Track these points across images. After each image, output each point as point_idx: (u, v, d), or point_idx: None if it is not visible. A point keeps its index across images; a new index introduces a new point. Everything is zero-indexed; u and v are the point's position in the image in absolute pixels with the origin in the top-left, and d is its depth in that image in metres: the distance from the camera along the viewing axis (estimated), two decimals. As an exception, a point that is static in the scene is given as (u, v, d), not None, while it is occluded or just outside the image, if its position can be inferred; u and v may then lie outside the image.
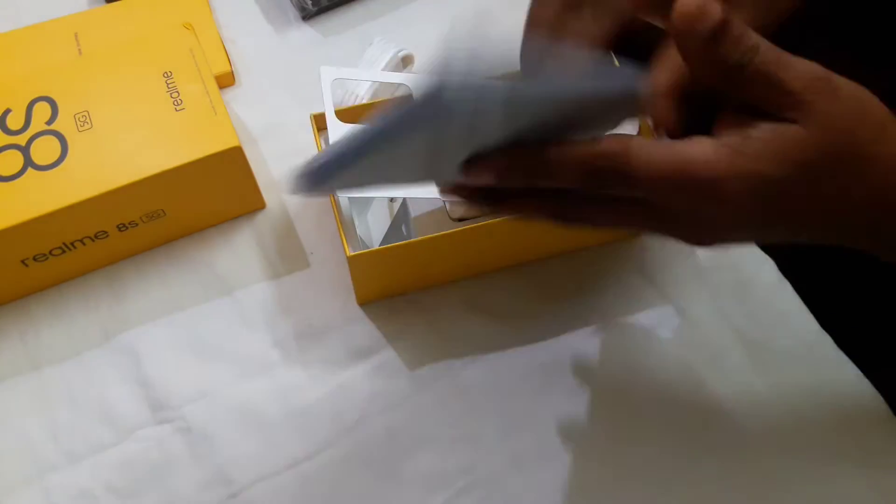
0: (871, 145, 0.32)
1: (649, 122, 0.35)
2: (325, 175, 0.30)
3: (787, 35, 0.50)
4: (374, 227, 0.52)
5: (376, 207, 0.52)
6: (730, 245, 0.36)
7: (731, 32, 0.30)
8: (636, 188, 0.32)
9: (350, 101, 0.56)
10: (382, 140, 0.28)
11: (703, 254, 0.54)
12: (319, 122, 0.51)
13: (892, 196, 0.33)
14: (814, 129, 0.31)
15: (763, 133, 0.31)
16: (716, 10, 0.30)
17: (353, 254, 0.46)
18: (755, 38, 0.31)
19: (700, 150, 0.31)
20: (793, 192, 0.32)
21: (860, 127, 0.32)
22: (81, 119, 0.50)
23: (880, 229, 0.34)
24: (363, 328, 0.52)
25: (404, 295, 0.53)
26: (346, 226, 0.49)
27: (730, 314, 0.52)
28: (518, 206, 0.35)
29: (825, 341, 0.51)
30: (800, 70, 0.31)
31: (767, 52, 0.31)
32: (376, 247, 0.50)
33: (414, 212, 0.52)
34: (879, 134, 0.33)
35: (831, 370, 0.51)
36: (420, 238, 0.47)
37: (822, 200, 0.32)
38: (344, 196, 0.50)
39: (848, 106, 0.32)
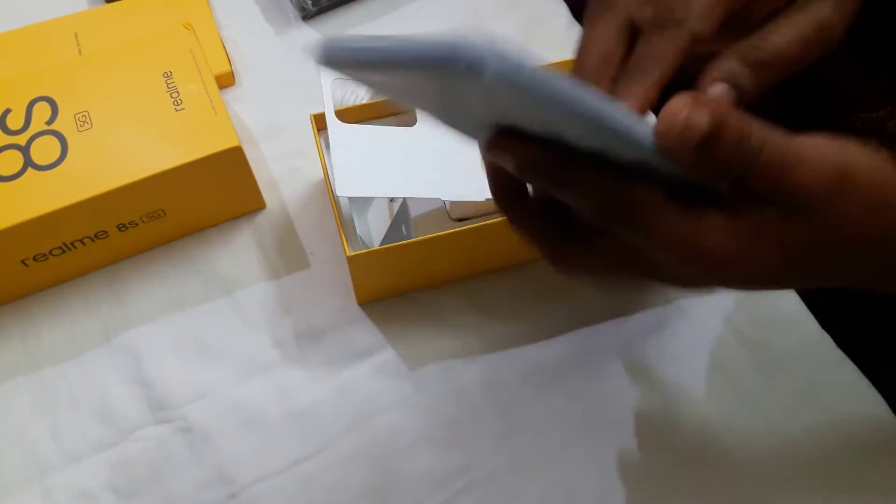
0: (880, 231, 0.30)
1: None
2: (343, 56, 0.28)
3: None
4: (373, 227, 0.52)
5: (376, 207, 0.52)
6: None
7: (727, 138, 0.27)
8: (644, 245, 0.30)
9: (351, 101, 0.56)
10: (390, 60, 0.26)
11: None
12: (319, 123, 0.51)
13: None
14: (824, 226, 0.29)
15: (773, 224, 0.29)
16: (702, 121, 0.27)
17: (353, 254, 0.46)
18: (759, 136, 0.28)
19: (713, 233, 0.29)
20: (795, 276, 0.31)
21: (873, 218, 0.29)
22: (81, 119, 0.50)
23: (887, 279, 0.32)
24: (363, 328, 0.52)
25: (404, 295, 0.53)
26: (346, 226, 0.49)
27: (730, 314, 0.52)
28: (523, 221, 0.33)
29: (825, 341, 0.51)
30: (811, 166, 0.28)
31: (774, 150, 0.28)
32: (376, 247, 0.50)
33: (414, 212, 0.52)
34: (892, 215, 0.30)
35: (831, 370, 0.51)
36: (420, 238, 0.47)
37: (823, 278, 0.31)
38: (344, 196, 0.50)
39: (864, 200, 0.29)
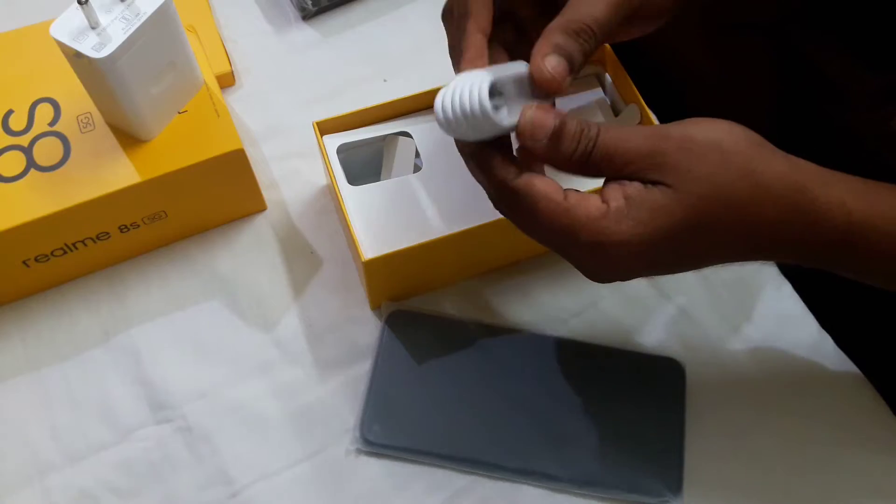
0: (736, 187, 0.35)
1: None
2: None
3: (792, 33, 0.51)
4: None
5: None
6: (624, 280, 0.38)
7: (567, 132, 0.35)
8: (537, 226, 0.36)
9: None
10: None
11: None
12: (322, 129, 0.51)
13: (778, 226, 0.36)
14: (676, 186, 0.34)
15: (638, 196, 0.34)
16: (549, 122, 0.35)
17: (368, 258, 0.46)
18: (594, 128, 0.35)
19: (587, 212, 0.35)
20: (669, 248, 0.35)
21: (722, 171, 0.34)
22: (84, 120, 0.50)
23: (774, 253, 0.38)
24: (363, 328, 0.52)
25: (407, 297, 0.53)
26: (355, 228, 0.49)
27: (730, 314, 0.52)
28: (469, 163, 0.39)
29: (825, 341, 0.51)
30: (640, 140, 0.35)
31: (607, 134, 0.35)
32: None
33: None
34: (745, 169, 0.35)
35: (832, 370, 0.51)
36: (436, 238, 0.47)
37: (700, 246, 0.36)
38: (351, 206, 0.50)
39: (704, 155, 0.35)
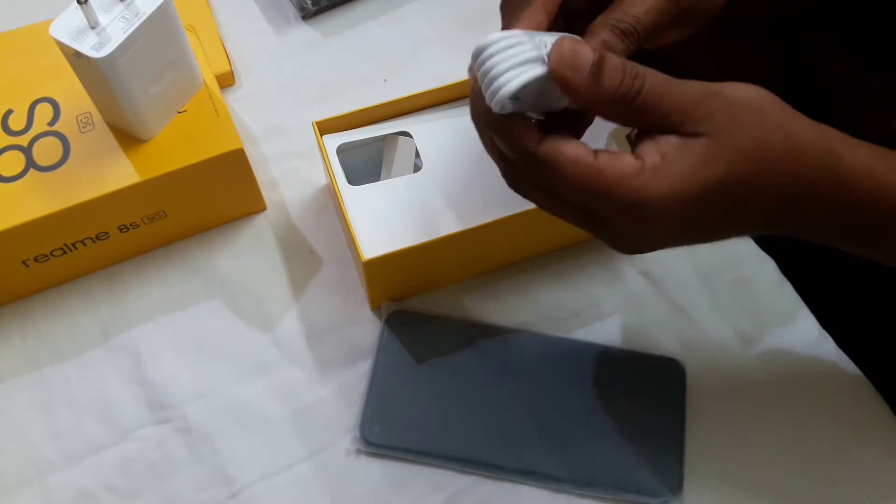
0: (773, 143, 0.34)
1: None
2: None
3: (791, 33, 0.51)
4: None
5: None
6: (654, 250, 0.37)
7: (609, 65, 0.32)
8: (565, 194, 0.34)
9: None
10: None
11: (703, 253, 0.54)
12: (322, 129, 0.51)
13: (810, 186, 0.35)
14: (718, 140, 0.33)
15: (676, 152, 0.33)
16: (587, 51, 0.32)
17: (368, 258, 0.46)
18: (640, 69, 0.33)
19: (622, 171, 0.33)
20: (707, 206, 0.33)
21: (760, 127, 0.34)
22: (83, 120, 0.50)
23: (802, 218, 0.36)
24: (363, 328, 0.52)
25: (408, 297, 0.53)
26: (355, 228, 0.49)
27: (730, 314, 0.52)
28: (484, 135, 0.37)
29: (826, 341, 0.51)
30: (689, 88, 0.33)
31: (655, 78, 0.33)
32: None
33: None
34: (780, 127, 0.34)
35: (832, 370, 0.51)
36: (436, 238, 0.47)
37: (736, 206, 0.34)
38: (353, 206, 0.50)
39: (742, 111, 0.33)
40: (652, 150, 0.33)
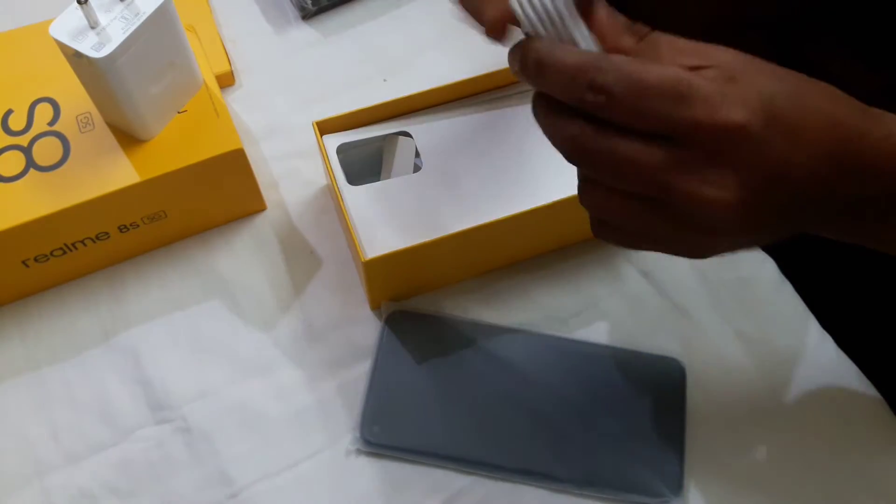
0: (814, 83, 0.33)
1: None
2: None
3: (792, 33, 0.51)
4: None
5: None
6: (727, 250, 0.35)
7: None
8: (638, 104, 0.31)
9: None
10: None
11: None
12: (322, 129, 0.51)
13: (856, 130, 0.34)
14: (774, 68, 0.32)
15: (743, 67, 0.32)
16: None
17: (368, 258, 0.46)
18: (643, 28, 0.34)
19: (698, 73, 0.31)
20: (782, 114, 0.32)
21: (806, 79, 0.33)
22: (83, 120, 0.50)
23: (849, 179, 0.34)
24: (363, 328, 0.52)
25: (408, 297, 0.53)
26: (355, 228, 0.49)
27: (730, 314, 0.52)
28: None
29: (826, 341, 0.51)
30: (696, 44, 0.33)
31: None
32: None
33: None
34: (810, 79, 0.34)
35: (832, 370, 0.51)
36: (436, 238, 0.47)
37: (800, 130, 0.32)
38: (354, 205, 0.50)
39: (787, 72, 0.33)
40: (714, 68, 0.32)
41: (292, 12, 0.65)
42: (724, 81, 0.31)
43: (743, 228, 0.33)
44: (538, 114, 0.35)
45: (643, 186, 0.33)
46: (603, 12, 0.34)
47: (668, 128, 0.31)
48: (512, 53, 0.35)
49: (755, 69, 0.33)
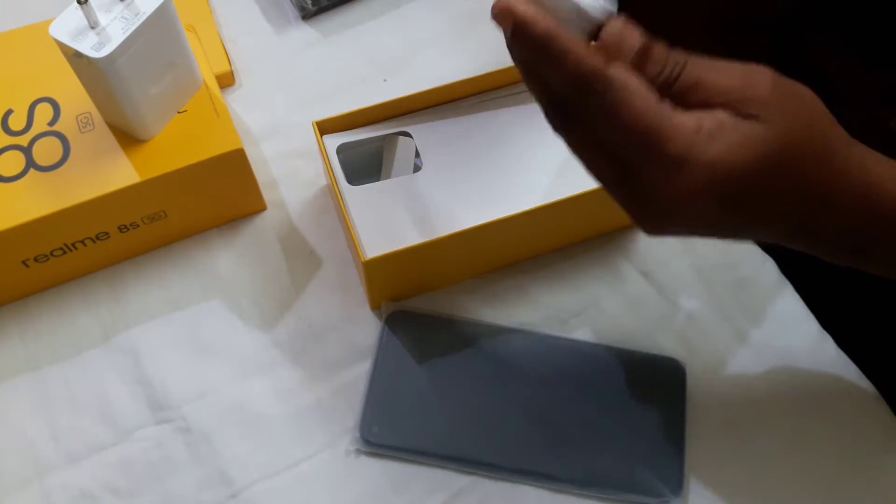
0: (817, 139, 0.34)
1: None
2: None
3: (792, 32, 0.51)
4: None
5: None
6: (672, 234, 0.36)
7: (655, 54, 0.33)
8: (614, 134, 0.33)
9: None
10: None
11: (703, 253, 0.54)
12: (322, 129, 0.51)
13: (838, 189, 0.34)
14: (770, 122, 0.32)
15: (731, 125, 0.32)
16: (635, 38, 0.33)
17: (368, 258, 0.46)
18: (681, 54, 0.33)
19: (682, 123, 0.32)
20: (749, 186, 0.33)
21: (809, 120, 0.34)
22: (83, 120, 0.50)
23: (819, 224, 0.35)
24: (363, 328, 0.52)
25: (408, 297, 0.53)
26: (355, 228, 0.49)
27: (730, 314, 0.52)
28: (522, 65, 0.35)
29: (826, 341, 0.51)
30: (736, 69, 0.33)
31: (696, 62, 0.33)
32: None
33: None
34: (829, 124, 0.34)
35: (832, 370, 0.51)
36: (436, 238, 0.47)
37: (773, 193, 0.34)
38: (353, 203, 0.50)
39: (794, 99, 0.34)
40: (709, 117, 0.32)
41: (292, 12, 0.65)
42: (705, 139, 0.32)
43: (695, 219, 0.35)
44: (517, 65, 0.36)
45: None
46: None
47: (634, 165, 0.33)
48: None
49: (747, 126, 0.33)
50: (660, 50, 0.33)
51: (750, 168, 0.32)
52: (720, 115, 0.32)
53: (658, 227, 0.36)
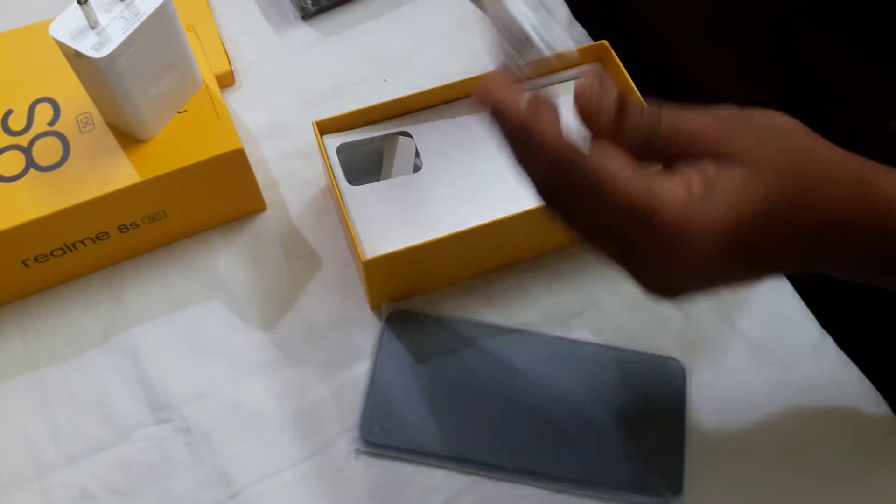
0: (806, 168, 0.33)
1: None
2: None
3: (792, 32, 0.51)
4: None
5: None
6: (690, 297, 0.35)
7: (630, 108, 0.32)
8: (605, 217, 0.32)
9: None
10: None
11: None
12: (322, 129, 0.51)
13: (844, 213, 0.34)
14: (755, 163, 0.32)
15: (718, 179, 0.31)
16: (609, 97, 0.32)
17: (368, 258, 0.46)
18: (654, 106, 0.33)
19: (672, 195, 0.31)
20: (750, 237, 0.32)
21: (790, 150, 0.33)
22: (83, 120, 0.50)
23: (837, 247, 0.35)
24: (363, 328, 0.52)
25: (409, 298, 0.53)
26: (355, 228, 0.49)
27: (730, 314, 0.52)
28: (506, 147, 0.34)
29: (826, 342, 0.51)
30: (709, 116, 0.33)
31: (671, 112, 0.32)
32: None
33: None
34: (809, 150, 0.34)
35: (832, 371, 0.51)
36: (436, 238, 0.47)
37: (775, 235, 0.33)
38: (353, 203, 0.50)
39: (771, 134, 0.33)
40: (695, 176, 0.31)
41: (292, 12, 0.65)
42: (698, 204, 0.31)
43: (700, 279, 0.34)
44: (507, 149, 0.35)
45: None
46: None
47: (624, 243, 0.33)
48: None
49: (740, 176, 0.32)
50: (634, 108, 0.32)
51: (748, 221, 0.32)
52: (706, 171, 0.32)
53: (671, 293, 0.35)
